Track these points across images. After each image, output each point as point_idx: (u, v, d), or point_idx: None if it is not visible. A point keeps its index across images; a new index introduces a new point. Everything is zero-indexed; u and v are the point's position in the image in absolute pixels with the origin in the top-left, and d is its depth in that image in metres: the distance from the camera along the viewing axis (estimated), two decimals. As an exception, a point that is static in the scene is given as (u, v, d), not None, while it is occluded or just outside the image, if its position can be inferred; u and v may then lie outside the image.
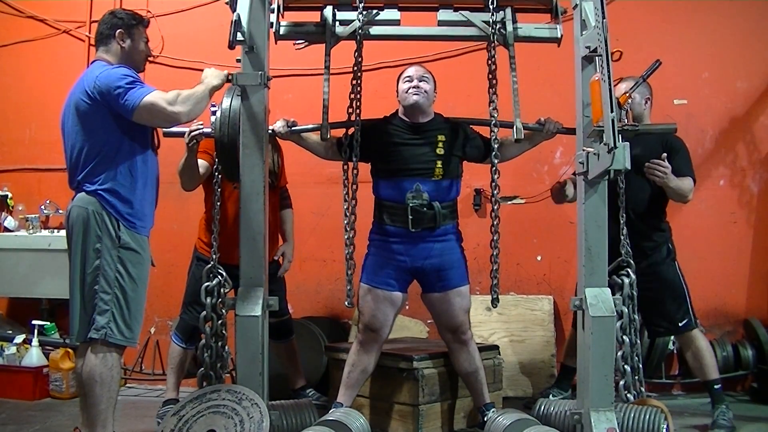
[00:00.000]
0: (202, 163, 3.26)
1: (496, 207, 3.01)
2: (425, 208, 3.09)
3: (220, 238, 3.05)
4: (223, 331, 2.98)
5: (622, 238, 3.11)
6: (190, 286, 3.47)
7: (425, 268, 3.14)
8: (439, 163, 3.13)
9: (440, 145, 3.15)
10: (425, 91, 3.18)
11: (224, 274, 2.99)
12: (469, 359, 3.19)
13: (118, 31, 2.75)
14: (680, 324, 3.38)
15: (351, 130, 3.07)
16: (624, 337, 2.99)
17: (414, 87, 3.16)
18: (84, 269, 2.61)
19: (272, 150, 3.47)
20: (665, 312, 3.40)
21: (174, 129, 2.94)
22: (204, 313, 2.94)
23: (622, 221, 3.11)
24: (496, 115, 3.03)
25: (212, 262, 3.00)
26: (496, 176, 3.01)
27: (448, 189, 3.18)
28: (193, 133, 3.07)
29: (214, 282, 2.97)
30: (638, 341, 3.08)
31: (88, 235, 2.60)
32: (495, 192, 3.01)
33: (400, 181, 3.13)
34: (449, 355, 3.24)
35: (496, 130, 3.02)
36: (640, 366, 3.08)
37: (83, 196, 2.64)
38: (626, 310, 3.01)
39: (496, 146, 3.03)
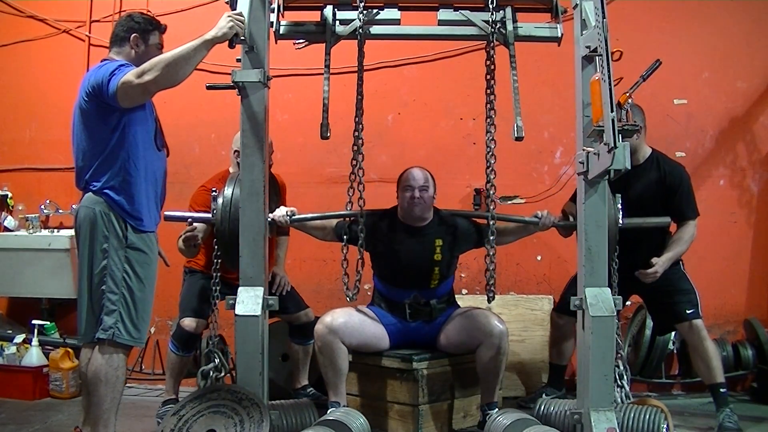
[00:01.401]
0: (201, 227, 3.25)
1: (492, 207, 3.05)
2: (422, 306, 3.27)
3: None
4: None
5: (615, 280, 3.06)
6: (186, 292, 3.55)
7: (423, 330, 3.32)
8: (436, 270, 3.28)
9: (438, 250, 3.27)
10: (426, 200, 3.28)
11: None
12: (499, 356, 3.15)
13: (134, 35, 2.75)
14: (687, 311, 3.38)
15: (350, 220, 3.19)
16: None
17: (415, 198, 3.25)
18: (91, 269, 2.61)
19: (274, 193, 3.50)
20: (673, 302, 3.42)
21: (173, 214, 2.97)
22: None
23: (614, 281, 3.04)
24: (493, 116, 3.03)
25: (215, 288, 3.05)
26: (492, 176, 3.02)
27: (445, 286, 3.35)
28: (186, 236, 3.14)
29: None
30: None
31: (95, 235, 2.60)
32: (491, 192, 3.03)
33: (398, 288, 3.30)
34: (477, 348, 3.20)
35: (493, 145, 3.03)
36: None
37: (90, 196, 2.64)
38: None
39: (492, 162, 3.03)
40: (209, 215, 2.97)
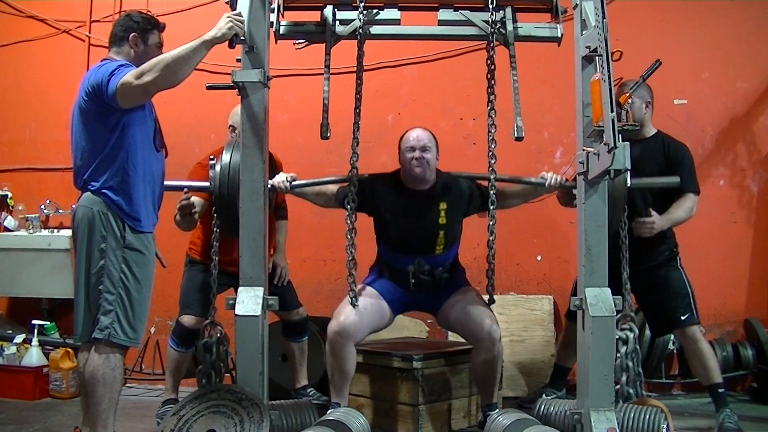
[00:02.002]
0: (198, 201, 3.25)
1: (492, 207, 3.02)
2: (427, 275, 3.18)
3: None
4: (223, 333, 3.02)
5: (623, 269, 3.05)
6: (185, 286, 3.53)
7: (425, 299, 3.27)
8: (441, 234, 3.19)
9: (442, 214, 3.19)
10: (428, 162, 3.19)
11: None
12: (493, 360, 3.13)
13: (132, 34, 2.74)
14: (682, 318, 3.35)
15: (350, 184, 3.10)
16: (630, 390, 2.96)
17: (416, 159, 3.17)
18: (89, 269, 2.61)
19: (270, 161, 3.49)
20: (668, 307, 3.39)
21: (170, 183, 2.92)
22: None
23: (624, 242, 3.05)
24: (493, 116, 3.02)
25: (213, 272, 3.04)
26: (492, 176, 3.01)
27: (449, 253, 3.26)
28: (181, 204, 3.11)
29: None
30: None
31: (93, 235, 2.60)
32: (492, 192, 3.01)
33: (402, 255, 3.21)
34: (472, 351, 3.20)
35: (493, 145, 3.01)
36: None
37: (89, 195, 2.64)
38: (631, 364, 2.97)
39: (492, 162, 3.01)
40: (207, 183, 2.94)
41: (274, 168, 3.51)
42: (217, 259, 3.05)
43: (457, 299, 3.22)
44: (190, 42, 2.56)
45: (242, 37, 2.66)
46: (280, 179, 3.06)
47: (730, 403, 3.43)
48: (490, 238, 3.00)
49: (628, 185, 2.93)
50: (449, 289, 3.25)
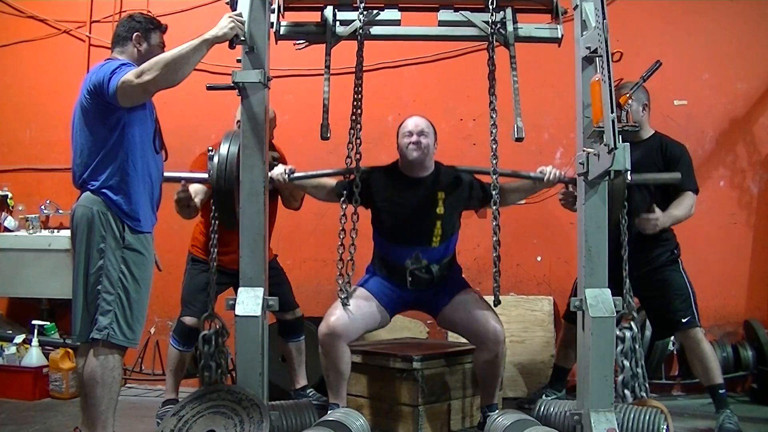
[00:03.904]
0: (200, 189, 3.26)
1: (495, 208, 3.00)
2: (424, 271, 3.16)
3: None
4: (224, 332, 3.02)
5: (624, 267, 3.04)
6: (187, 285, 3.53)
7: (423, 298, 3.25)
8: (438, 224, 3.17)
9: (440, 203, 3.17)
10: (425, 147, 3.19)
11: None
12: (497, 360, 3.12)
13: (135, 34, 2.75)
14: (683, 320, 3.36)
15: (351, 177, 3.10)
16: (626, 390, 2.95)
17: (414, 143, 3.17)
18: (87, 269, 2.60)
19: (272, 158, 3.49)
20: (669, 309, 3.39)
21: (170, 174, 2.92)
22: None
23: (624, 241, 3.04)
24: (495, 116, 3.02)
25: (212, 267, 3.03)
26: (494, 177, 3.01)
27: (447, 248, 3.24)
28: (178, 197, 3.13)
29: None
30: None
31: (92, 235, 2.60)
32: (494, 193, 3.01)
33: (399, 246, 3.19)
34: (474, 351, 3.20)
35: (495, 146, 3.01)
36: None
37: (88, 195, 2.64)
38: (628, 364, 2.96)
39: (494, 162, 3.00)
40: (206, 175, 2.93)
41: (277, 158, 3.53)
42: (215, 251, 3.03)
43: (459, 300, 3.21)
44: (190, 41, 2.56)
45: (242, 38, 2.66)
46: (278, 171, 3.06)
47: (730, 403, 3.43)
48: (495, 239, 2.96)
49: (629, 181, 2.92)
50: (449, 289, 3.24)
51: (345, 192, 3.12)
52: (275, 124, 3.63)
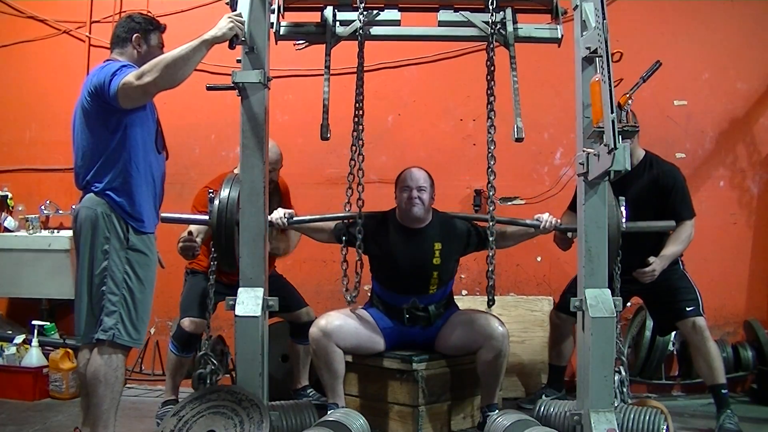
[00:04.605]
0: (201, 228, 3.26)
1: (492, 208, 3.02)
2: (421, 312, 3.23)
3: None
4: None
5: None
6: (186, 293, 3.55)
7: (420, 334, 3.30)
8: (435, 275, 3.23)
9: (437, 254, 3.23)
10: (423, 201, 3.24)
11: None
12: (499, 357, 3.14)
13: (135, 35, 2.75)
14: (688, 308, 3.37)
15: (350, 221, 3.16)
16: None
17: (411, 198, 3.22)
18: (92, 270, 2.61)
19: (275, 193, 3.50)
20: (673, 300, 3.41)
21: (170, 216, 2.95)
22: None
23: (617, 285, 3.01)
24: (493, 117, 3.02)
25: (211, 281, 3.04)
26: (492, 178, 3.01)
27: (444, 292, 3.32)
28: (183, 245, 3.18)
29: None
30: None
31: (96, 236, 2.60)
32: (491, 194, 3.01)
33: (396, 294, 3.26)
34: (478, 351, 3.19)
35: (492, 147, 3.00)
36: None
37: (92, 196, 2.64)
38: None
39: (492, 163, 3.00)
40: (206, 217, 2.95)
41: (279, 195, 3.53)
42: (215, 264, 3.03)
43: (455, 318, 3.30)
44: (190, 41, 2.56)
45: (242, 38, 2.66)
46: (278, 215, 3.11)
47: (731, 404, 3.43)
48: (490, 254, 2.98)
49: (623, 229, 2.96)
50: (442, 321, 3.31)
51: (345, 233, 3.20)
52: (281, 165, 3.62)
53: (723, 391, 3.35)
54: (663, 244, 3.45)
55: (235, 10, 2.72)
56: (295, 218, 3.16)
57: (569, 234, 3.24)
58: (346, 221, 3.24)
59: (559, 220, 3.22)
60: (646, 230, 3.24)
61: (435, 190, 3.34)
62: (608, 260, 2.82)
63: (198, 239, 3.29)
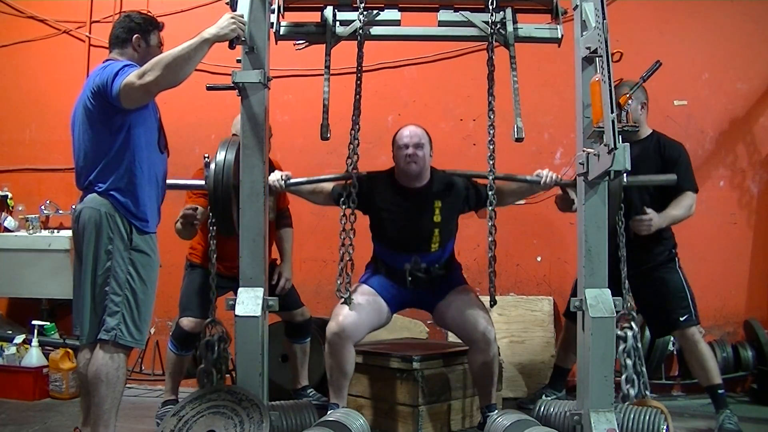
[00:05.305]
0: (200, 209, 3.27)
1: (491, 209, 3.00)
2: (423, 272, 3.17)
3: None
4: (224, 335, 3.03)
5: (622, 268, 3.03)
6: (185, 289, 3.54)
7: (422, 296, 3.26)
8: (436, 232, 3.18)
9: (437, 212, 3.18)
10: (421, 158, 3.18)
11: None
12: (490, 361, 3.12)
13: (135, 35, 2.74)
14: (681, 319, 3.35)
15: (348, 182, 3.08)
16: (629, 388, 2.95)
17: (409, 155, 3.16)
18: (95, 271, 2.60)
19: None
20: (666, 309, 3.38)
21: (171, 182, 2.92)
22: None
23: (621, 242, 3.04)
24: (493, 117, 3.02)
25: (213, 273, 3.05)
26: (492, 177, 3.01)
27: (445, 251, 3.26)
28: (185, 213, 3.17)
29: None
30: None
31: (100, 236, 2.60)
32: (491, 193, 3.01)
33: (397, 253, 3.21)
34: (468, 352, 3.20)
35: (492, 147, 3.00)
36: None
37: (95, 196, 2.63)
38: (630, 362, 2.95)
39: (491, 163, 3.00)
40: (203, 182, 2.93)
41: (271, 168, 3.52)
42: (215, 256, 3.04)
43: (452, 299, 3.21)
44: (190, 40, 2.56)
45: (243, 38, 2.66)
46: (275, 177, 3.06)
47: (730, 404, 3.43)
48: (491, 239, 2.97)
49: (625, 183, 2.93)
50: (446, 285, 3.25)
51: (343, 195, 3.11)
52: (271, 134, 3.62)
53: (719, 391, 3.35)
54: (662, 239, 3.42)
55: (235, 10, 2.72)
56: (292, 180, 3.13)
57: (571, 196, 3.16)
58: (343, 182, 3.15)
59: (559, 176, 3.13)
60: (647, 184, 3.24)
61: (432, 147, 3.26)
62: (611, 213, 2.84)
63: (198, 214, 3.28)
